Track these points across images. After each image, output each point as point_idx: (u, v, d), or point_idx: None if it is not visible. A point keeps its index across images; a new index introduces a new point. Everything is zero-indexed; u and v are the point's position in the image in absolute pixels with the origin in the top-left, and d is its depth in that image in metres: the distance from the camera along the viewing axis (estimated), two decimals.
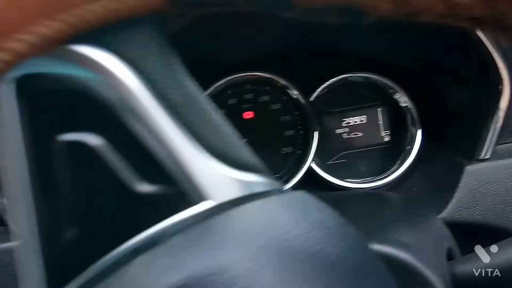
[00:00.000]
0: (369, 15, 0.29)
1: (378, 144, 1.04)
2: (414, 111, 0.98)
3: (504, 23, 0.29)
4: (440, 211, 0.83)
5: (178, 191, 0.34)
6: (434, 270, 0.53)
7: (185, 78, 0.33)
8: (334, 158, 1.05)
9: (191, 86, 0.34)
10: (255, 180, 0.37)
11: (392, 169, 0.99)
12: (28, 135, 0.33)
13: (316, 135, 1.00)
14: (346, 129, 1.05)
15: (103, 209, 0.35)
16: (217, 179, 0.35)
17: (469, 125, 0.86)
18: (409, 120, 0.99)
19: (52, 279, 0.34)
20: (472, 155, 0.84)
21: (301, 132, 1.04)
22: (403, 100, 0.99)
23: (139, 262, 0.31)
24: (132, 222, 0.34)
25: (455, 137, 0.92)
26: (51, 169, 0.34)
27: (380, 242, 0.57)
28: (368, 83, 1.01)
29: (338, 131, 1.05)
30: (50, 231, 0.34)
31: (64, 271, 0.34)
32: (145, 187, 0.34)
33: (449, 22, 0.30)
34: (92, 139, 0.33)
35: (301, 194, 0.38)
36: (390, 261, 0.53)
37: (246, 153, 0.37)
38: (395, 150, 1.02)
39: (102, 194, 0.35)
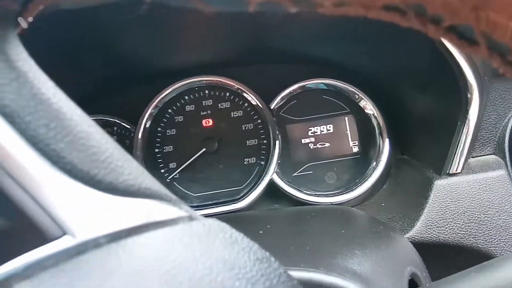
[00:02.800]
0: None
1: (347, 155, 0.97)
2: (381, 119, 0.91)
3: (428, 13, 0.23)
4: (408, 230, 0.77)
5: (28, 224, 0.26)
6: None
7: (36, 81, 0.26)
8: (300, 170, 0.98)
9: (45, 91, 0.26)
10: (146, 208, 0.30)
11: (360, 182, 0.92)
12: None
13: (278, 144, 0.92)
14: (313, 139, 0.98)
15: None
16: (84, 209, 0.27)
17: (437, 136, 0.79)
18: (376, 129, 0.92)
19: None
20: (441, 168, 0.77)
21: (264, 141, 0.97)
22: (369, 107, 0.92)
23: None
24: None
25: (424, 149, 0.86)
26: None
27: (329, 270, 0.50)
28: (332, 90, 0.94)
29: (305, 140, 0.98)
30: None
31: None
32: None
33: (361, 13, 0.24)
34: None
35: (203, 225, 0.31)
36: None
37: (132, 175, 0.29)
38: (364, 162, 0.95)
39: None
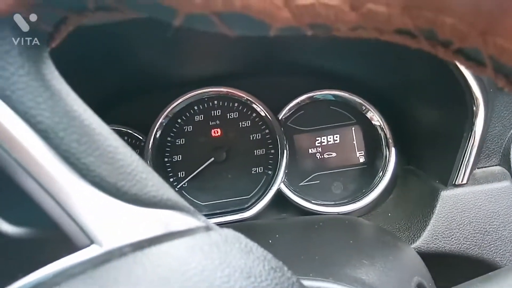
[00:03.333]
0: (269, 26, 0.23)
1: (353, 165, 0.98)
2: (387, 130, 0.93)
3: (438, 37, 0.24)
4: (414, 240, 0.78)
5: (59, 234, 0.28)
6: None
7: (69, 98, 0.27)
8: (307, 180, 0.99)
9: (77, 108, 0.28)
10: (167, 218, 0.31)
11: (366, 192, 0.93)
12: None
13: (285, 154, 0.94)
14: (320, 149, 0.99)
15: None
16: (110, 219, 0.28)
17: (443, 147, 0.80)
18: (383, 140, 0.94)
19: None
20: (447, 179, 0.78)
21: (272, 151, 0.98)
22: (376, 118, 0.94)
23: None
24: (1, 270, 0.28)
25: (430, 160, 0.87)
26: None
27: (337, 279, 0.51)
28: (339, 101, 0.96)
29: (312, 150, 0.99)
30: None
31: None
32: (15, 230, 0.27)
33: (374, 36, 0.26)
34: None
35: (218, 235, 0.32)
36: None
37: (155, 186, 0.31)
38: (370, 172, 0.96)
39: None
